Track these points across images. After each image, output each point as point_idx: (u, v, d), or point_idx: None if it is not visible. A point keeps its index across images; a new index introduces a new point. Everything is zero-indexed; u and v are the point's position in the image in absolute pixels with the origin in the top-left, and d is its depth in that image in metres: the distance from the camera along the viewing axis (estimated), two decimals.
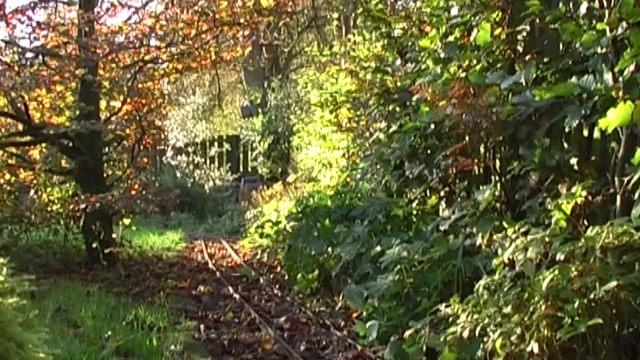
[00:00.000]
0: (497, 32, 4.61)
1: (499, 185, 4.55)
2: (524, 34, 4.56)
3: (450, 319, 3.30)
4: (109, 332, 4.45)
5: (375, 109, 7.35)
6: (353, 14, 13.24)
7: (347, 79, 8.87)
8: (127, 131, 8.87)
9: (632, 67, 3.28)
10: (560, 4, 4.11)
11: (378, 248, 5.20)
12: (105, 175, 8.81)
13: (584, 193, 3.21)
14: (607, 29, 3.45)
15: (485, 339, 3.02)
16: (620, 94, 3.31)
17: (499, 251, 3.25)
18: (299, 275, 6.60)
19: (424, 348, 3.57)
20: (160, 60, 8.97)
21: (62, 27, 8.31)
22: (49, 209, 8.36)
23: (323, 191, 9.17)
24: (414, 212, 6.02)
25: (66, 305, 5.38)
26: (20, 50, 7.86)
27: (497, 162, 4.78)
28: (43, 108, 8.58)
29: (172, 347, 4.29)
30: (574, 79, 3.67)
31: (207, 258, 9.73)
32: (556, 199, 3.35)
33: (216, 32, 9.07)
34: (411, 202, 6.22)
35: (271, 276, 7.79)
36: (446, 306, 3.36)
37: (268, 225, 9.46)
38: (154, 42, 8.73)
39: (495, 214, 4.30)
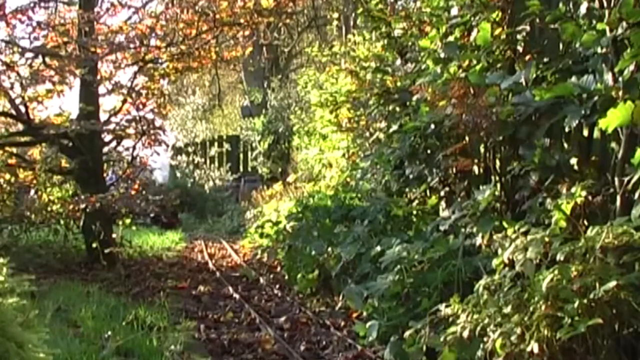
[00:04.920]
0: (497, 32, 4.60)
1: (499, 185, 4.55)
2: (524, 34, 4.56)
3: (450, 319, 3.30)
4: (109, 332, 4.44)
5: (375, 109, 7.36)
6: (353, 14, 13.24)
7: (347, 79, 8.87)
8: (127, 131, 8.86)
9: (632, 67, 3.28)
10: (560, 4, 4.10)
11: (378, 248, 5.20)
12: (105, 175, 8.81)
13: (584, 193, 3.21)
14: (607, 29, 3.45)
15: (485, 339, 3.01)
16: (620, 94, 3.31)
17: (499, 251, 3.25)
18: (299, 275, 6.60)
19: (424, 348, 3.57)
20: (160, 60, 8.97)
21: (62, 27, 8.31)
22: (49, 209, 8.36)
23: (323, 191, 9.17)
24: (414, 212, 6.02)
25: (66, 305, 5.38)
26: (20, 50, 7.86)
27: (497, 162, 4.78)
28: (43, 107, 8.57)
29: (172, 347, 4.29)
30: (574, 79, 3.67)
31: (207, 258, 9.74)
32: (556, 199, 3.35)
33: (216, 32, 9.08)
34: (411, 202, 6.22)
35: (271, 276, 7.79)
36: (446, 306, 3.36)
37: (268, 225, 9.47)
38: (154, 42, 8.74)
39: (495, 214, 4.30)
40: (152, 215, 15.23)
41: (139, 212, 9.15)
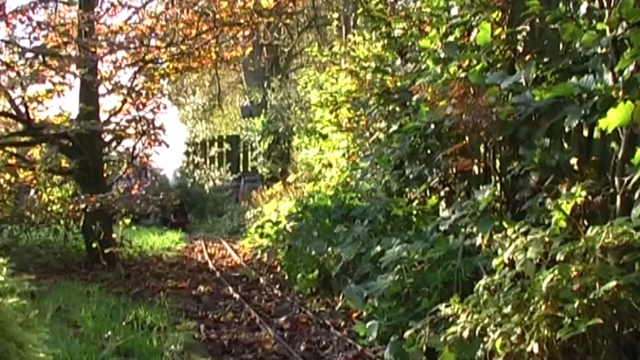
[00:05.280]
0: (497, 32, 4.60)
1: (499, 185, 4.55)
2: (524, 34, 4.56)
3: (450, 319, 3.30)
4: (109, 332, 4.44)
5: (375, 109, 7.36)
6: (353, 14, 13.24)
7: (347, 79, 8.87)
8: (127, 131, 8.86)
9: (632, 67, 3.28)
10: (560, 4, 4.10)
11: (378, 248, 5.20)
12: (105, 175, 8.81)
13: (584, 193, 3.21)
14: (607, 29, 3.45)
15: (485, 339, 3.01)
16: (620, 94, 3.31)
17: (499, 251, 3.25)
18: (299, 275, 6.60)
19: (424, 348, 3.57)
20: (160, 60, 8.97)
21: (62, 27, 8.31)
22: (49, 209, 8.36)
23: (323, 191, 9.18)
24: (414, 212, 6.03)
25: (66, 305, 5.38)
26: (20, 50, 7.86)
27: (497, 162, 4.78)
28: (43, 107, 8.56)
29: (172, 347, 4.29)
30: (574, 79, 3.67)
31: (207, 258, 9.74)
32: (556, 199, 3.35)
33: (216, 32, 9.08)
34: (411, 202, 6.22)
35: (271, 276, 7.79)
36: (446, 306, 3.36)
37: (268, 225, 9.48)
38: (154, 42, 8.74)
39: (495, 214, 4.30)
40: (160, 215, 15.09)
41: (140, 212, 9.13)
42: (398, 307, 4.32)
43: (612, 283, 2.69)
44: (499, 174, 4.66)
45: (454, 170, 5.21)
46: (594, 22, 3.66)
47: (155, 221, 15.27)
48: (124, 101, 8.71)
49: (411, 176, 5.75)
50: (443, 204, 5.68)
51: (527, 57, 4.41)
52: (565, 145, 4.14)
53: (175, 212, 15.76)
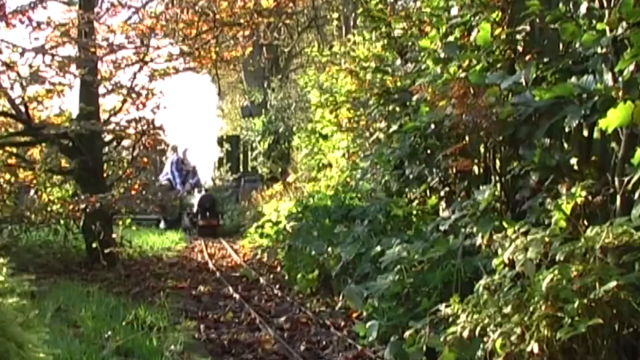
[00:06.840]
0: (497, 32, 4.61)
1: (499, 185, 4.55)
2: (524, 34, 4.56)
3: (450, 319, 3.30)
4: (109, 332, 4.44)
5: (375, 109, 7.37)
6: (353, 14, 13.24)
7: (347, 79, 8.88)
8: (127, 131, 8.85)
9: (632, 67, 3.28)
10: (560, 4, 4.11)
11: (378, 248, 5.20)
12: (105, 175, 8.81)
13: (584, 193, 3.21)
14: (607, 29, 3.45)
15: (485, 339, 3.01)
16: (620, 94, 3.31)
17: (499, 251, 3.25)
18: (299, 275, 6.60)
19: (424, 348, 3.57)
20: (160, 60, 8.97)
21: (62, 27, 8.30)
22: (49, 209, 8.35)
23: (323, 191, 9.18)
24: (414, 212, 6.03)
25: (66, 305, 5.37)
26: (20, 50, 7.85)
27: (497, 162, 4.78)
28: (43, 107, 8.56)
29: (172, 347, 4.28)
30: (574, 79, 3.67)
31: (207, 258, 9.74)
32: (556, 199, 3.35)
33: (216, 32, 9.08)
34: (411, 202, 6.22)
35: (271, 276, 7.79)
36: (446, 306, 3.36)
37: (268, 225, 9.47)
38: (154, 42, 8.74)
39: (495, 214, 4.30)
40: (189, 214, 14.55)
41: (140, 212, 9.12)
42: (398, 307, 4.32)
43: (612, 283, 2.70)
44: (499, 174, 4.66)
45: (454, 170, 5.21)
46: (594, 22, 3.67)
47: (184, 223, 14.74)
48: (124, 101, 8.70)
49: (411, 176, 5.75)
50: (443, 204, 5.69)
51: (527, 57, 4.41)
52: (565, 145, 4.14)
53: (204, 211, 13.90)
